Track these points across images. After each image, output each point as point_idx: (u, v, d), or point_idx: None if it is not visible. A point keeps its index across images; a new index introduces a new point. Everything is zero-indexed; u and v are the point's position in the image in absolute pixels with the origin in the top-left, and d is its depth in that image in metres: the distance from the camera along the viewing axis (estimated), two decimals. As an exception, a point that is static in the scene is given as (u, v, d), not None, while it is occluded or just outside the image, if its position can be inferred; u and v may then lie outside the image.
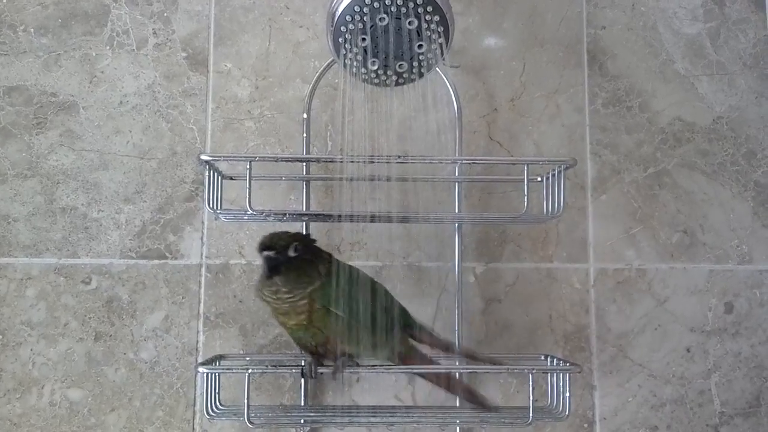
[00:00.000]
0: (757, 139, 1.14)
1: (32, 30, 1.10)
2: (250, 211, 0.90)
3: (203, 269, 1.08)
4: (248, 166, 0.89)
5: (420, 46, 0.94)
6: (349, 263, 0.96)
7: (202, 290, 1.07)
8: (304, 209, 1.05)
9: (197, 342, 1.06)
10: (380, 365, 0.90)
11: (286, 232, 0.90)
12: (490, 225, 1.10)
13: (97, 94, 1.10)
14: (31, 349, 1.05)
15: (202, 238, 1.08)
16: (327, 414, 1.00)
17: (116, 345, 1.06)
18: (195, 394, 1.05)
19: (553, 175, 0.93)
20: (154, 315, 1.06)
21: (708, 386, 1.09)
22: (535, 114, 1.13)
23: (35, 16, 1.11)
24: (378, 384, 1.06)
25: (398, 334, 0.91)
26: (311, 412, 1.01)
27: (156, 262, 1.07)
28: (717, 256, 1.12)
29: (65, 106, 1.09)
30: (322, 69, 1.05)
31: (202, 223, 1.08)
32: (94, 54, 1.11)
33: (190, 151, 1.09)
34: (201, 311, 1.07)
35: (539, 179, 0.96)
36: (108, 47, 1.11)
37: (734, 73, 1.15)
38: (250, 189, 0.89)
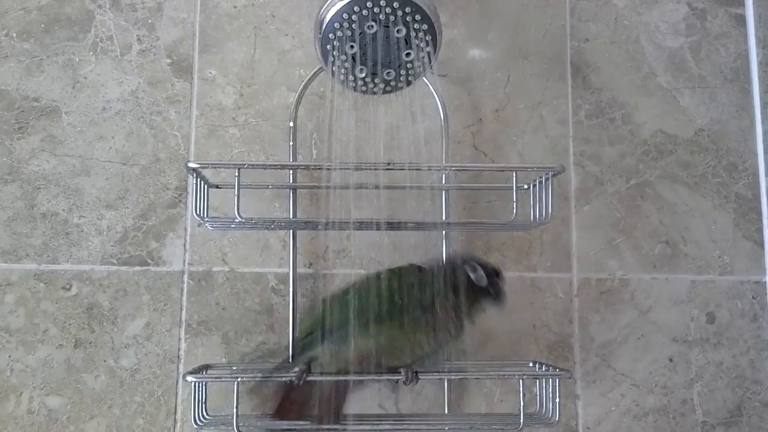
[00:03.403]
0: (738, 151, 1.16)
1: (14, 35, 1.09)
2: (238, 219, 0.89)
3: (185, 276, 1.06)
4: (237, 173, 0.88)
5: (408, 54, 0.94)
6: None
7: (185, 297, 1.06)
8: (291, 217, 1.05)
9: (179, 350, 1.05)
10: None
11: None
12: (474, 235, 1.10)
13: (79, 99, 1.09)
14: (10, 356, 1.03)
15: (184, 245, 1.07)
16: (315, 423, 0.98)
17: (96, 352, 1.04)
18: (177, 402, 1.04)
19: (541, 183, 0.93)
20: (135, 322, 1.05)
21: (690, 396, 1.10)
22: (520, 125, 1.13)
23: (18, 20, 1.09)
24: (361, 392, 1.05)
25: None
26: (300, 421, 0.99)
27: (138, 268, 1.06)
28: (699, 267, 1.13)
29: (47, 111, 1.08)
30: (309, 77, 1.05)
31: (185, 229, 1.07)
32: (77, 59, 1.10)
33: (174, 158, 1.09)
34: (183, 318, 1.06)
35: (526, 187, 0.97)
36: (91, 53, 1.10)
37: (716, 86, 1.17)
38: (238, 196, 0.88)
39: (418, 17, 0.91)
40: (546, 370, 0.94)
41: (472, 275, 0.89)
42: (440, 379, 1.01)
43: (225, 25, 1.12)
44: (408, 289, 0.88)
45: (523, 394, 0.88)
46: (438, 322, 0.87)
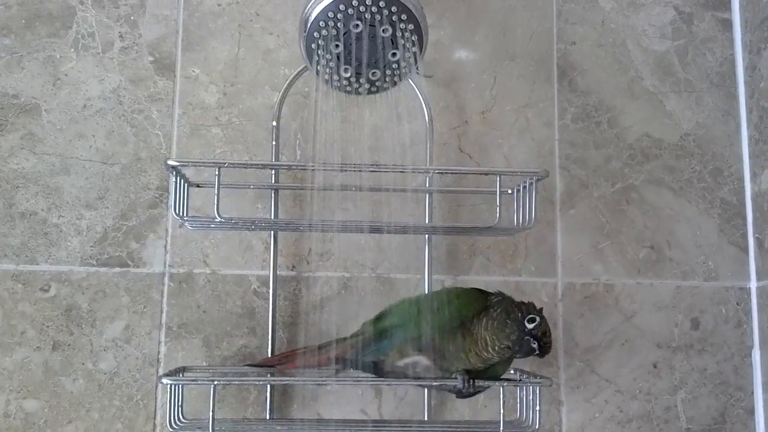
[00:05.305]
0: (724, 156, 1.15)
1: (-6, 30, 1.08)
2: (218, 219, 0.88)
3: (166, 278, 1.05)
4: (217, 172, 0.87)
5: (394, 54, 0.93)
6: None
7: (165, 300, 1.04)
8: (273, 218, 1.03)
9: (159, 353, 1.04)
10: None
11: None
12: (459, 238, 1.09)
13: (60, 96, 1.07)
14: (-15, 358, 1.01)
15: (165, 246, 1.06)
16: (294, 427, 0.97)
17: (74, 355, 1.02)
18: (156, 406, 1.02)
19: (524, 187, 0.92)
20: (114, 324, 1.03)
21: (674, 402, 1.09)
22: (505, 127, 1.13)
23: (-3, 16, 1.08)
24: (344, 397, 1.04)
25: None
26: (277, 425, 0.98)
27: (117, 269, 1.04)
28: (683, 272, 1.12)
29: (27, 109, 1.06)
30: (293, 76, 1.04)
31: (166, 230, 1.06)
32: (58, 56, 1.08)
33: (155, 157, 1.07)
34: (163, 321, 1.04)
35: (509, 191, 0.96)
36: (73, 50, 1.08)
37: (702, 90, 1.17)
38: (218, 195, 0.87)
39: (404, 17, 0.90)
40: (527, 378, 0.93)
41: (529, 326, 0.84)
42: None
43: (209, 23, 1.11)
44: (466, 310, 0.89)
45: (505, 401, 0.87)
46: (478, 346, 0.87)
